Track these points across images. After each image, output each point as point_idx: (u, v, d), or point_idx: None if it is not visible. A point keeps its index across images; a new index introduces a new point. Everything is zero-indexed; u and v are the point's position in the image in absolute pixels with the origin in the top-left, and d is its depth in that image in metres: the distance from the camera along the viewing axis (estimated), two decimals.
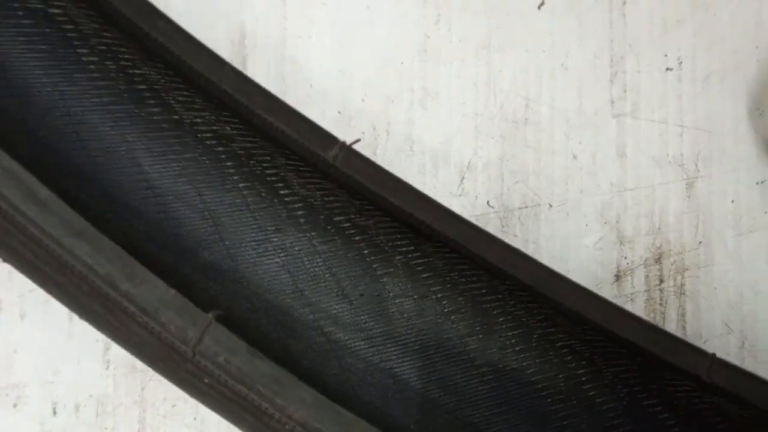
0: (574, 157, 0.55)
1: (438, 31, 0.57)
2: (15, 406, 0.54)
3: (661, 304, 0.54)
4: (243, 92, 0.46)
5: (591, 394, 0.49)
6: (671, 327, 0.52)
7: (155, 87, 0.48)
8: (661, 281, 0.54)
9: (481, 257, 0.46)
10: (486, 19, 0.56)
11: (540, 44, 0.56)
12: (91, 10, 0.46)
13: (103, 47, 0.47)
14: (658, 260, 0.54)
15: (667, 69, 0.55)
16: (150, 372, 0.51)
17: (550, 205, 0.55)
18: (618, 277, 0.54)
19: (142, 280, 0.40)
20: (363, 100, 0.56)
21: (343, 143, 0.46)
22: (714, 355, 0.45)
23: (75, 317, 0.54)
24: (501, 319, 0.50)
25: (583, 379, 0.49)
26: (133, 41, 0.47)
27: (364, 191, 0.47)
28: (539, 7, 0.56)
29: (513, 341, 0.50)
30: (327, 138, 0.46)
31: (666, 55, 0.56)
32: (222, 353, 0.40)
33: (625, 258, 0.54)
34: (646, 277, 0.54)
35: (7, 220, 0.40)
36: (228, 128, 0.49)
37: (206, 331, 0.40)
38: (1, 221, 0.40)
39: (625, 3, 0.56)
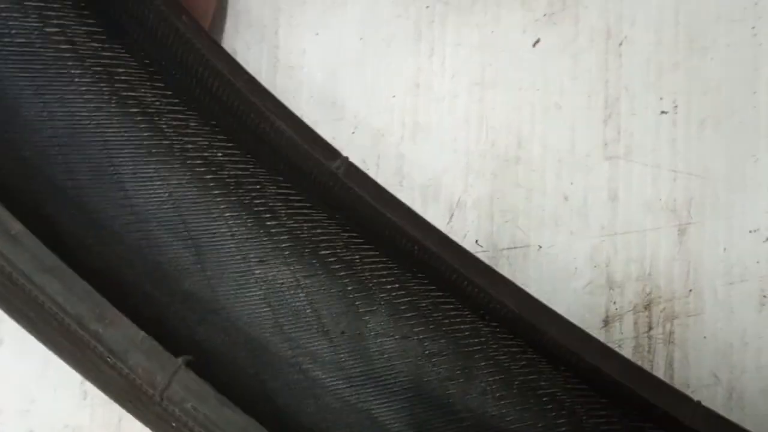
0: (566, 198, 0.58)
1: (431, 66, 0.60)
2: None
3: (649, 352, 0.56)
4: (257, 94, 0.48)
5: None
6: (659, 375, 0.54)
7: (148, 110, 0.51)
8: (650, 328, 0.56)
9: (472, 281, 0.48)
10: (480, 55, 0.59)
11: (534, 82, 0.59)
12: (98, 26, 0.49)
13: (98, 68, 0.51)
14: (648, 307, 0.57)
15: (662, 112, 0.58)
16: None
17: (540, 246, 0.58)
18: (606, 322, 0.57)
19: (111, 321, 0.42)
20: (353, 133, 0.60)
21: (346, 157, 0.48)
22: (699, 402, 0.47)
23: None
24: (483, 364, 0.52)
25: (563, 429, 0.51)
26: (136, 59, 0.51)
27: (361, 207, 0.49)
28: (534, 45, 0.59)
29: (494, 387, 0.52)
30: (331, 150, 0.49)
31: (661, 98, 0.58)
32: (190, 400, 0.42)
33: (614, 303, 0.57)
34: (635, 323, 0.57)
35: None
36: (219, 154, 0.52)
37: (175, 377, 0.42)
38: None
39: (621, 44, 0.59)
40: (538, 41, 0.59)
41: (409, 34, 0.60)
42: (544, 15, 0.59)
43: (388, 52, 0.60)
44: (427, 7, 0.60)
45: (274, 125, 0.48)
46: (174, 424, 0.43)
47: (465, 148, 0.59)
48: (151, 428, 0.46)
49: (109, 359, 0.42)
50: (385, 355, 0.53)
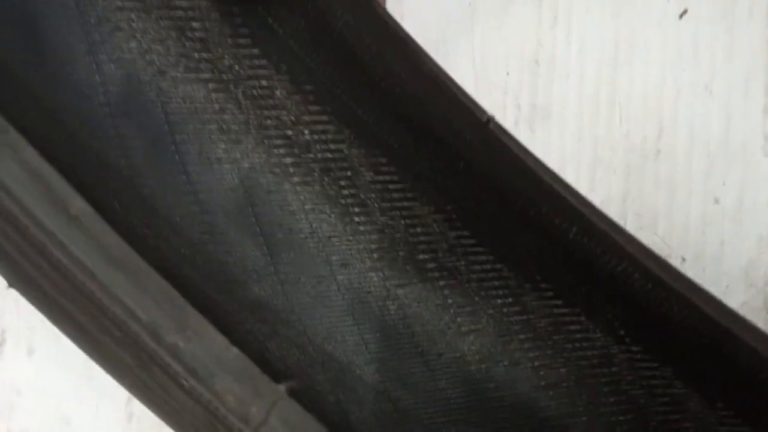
0: (716, 200, 0.56)
1: (554, 38, 0.57)
2: None
3: None
4: (400, 30, 0.46)
5: None
6: None
7: (223, 76, 0.48)
8: None
9: (647, 271, 0.44)
10: (614, 25, 0.58)
11: (680, 60, 0.57)
12: None
13: (167, 21, 0.47)
14: None
15: None
16: None
17: (684, 258, 0.56)
18: None
19: (195, 332, 0.39)
20: None
21: (493, 116, 0.46)
22: None
23: None
24: (612, 400, 0.49)
25: None
26: (219, 9, 0.48)
27: (507, 173, 0.46)
28: (681, 16, 0.57)
29: (624, 428, 0.49)
30: (478, 105, 0.46)
31: None
32: None
33: None
34: None
35: (23, 236, 0.39)
36: (306, 132, 0.48)
37: (274, 408, 0.39)
38: (16, 237, 0.39)
39: None
40: (685, 12, 0.57)
41: None
42: None
43: (502, 19, 0.58)
44: None
45: (418, 67, 0.44)
46: None
47: (593, 136, 0.57)
48: None
49: (185, 382, 0.38)
50: (492, 385, 0.49)
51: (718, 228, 0.55)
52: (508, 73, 0.57)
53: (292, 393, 0.40)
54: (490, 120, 0.45)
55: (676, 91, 0.57)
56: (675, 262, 0.53)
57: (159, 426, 0.52)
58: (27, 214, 0.38)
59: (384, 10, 0.45)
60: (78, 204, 0.39)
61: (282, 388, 0.39)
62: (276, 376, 0.40)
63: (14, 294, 0.53)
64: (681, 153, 0.56)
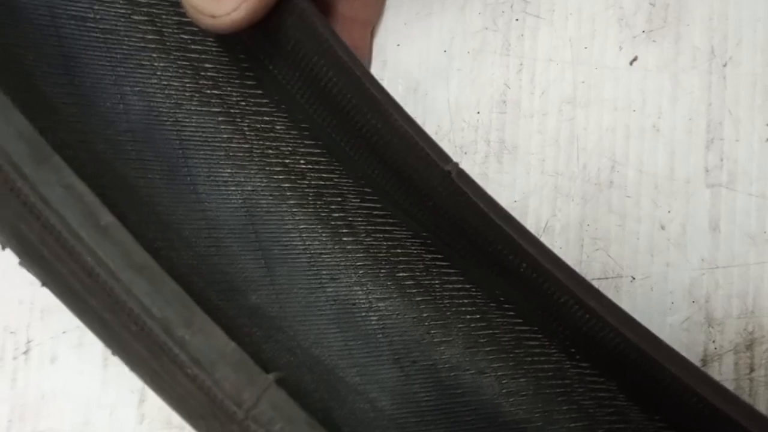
0: (662, 227, 0.59)
1: (520, 82, 0.62)
2: None
3: (750, 396, 0.57)
4: (377, 87, 0.48)
5: None
6: None
7: (231, 111, 0.53)
8: (752, 370, 0.57)
9: (585, 305, 0.47)
10: (572, 72, 0.61)
11: (630, 102, 0.61)
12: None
13: (185, 62, 0.52)
14: (750, 347, 0.58)
15: None
16: (187, 429, 0.52)
17: (633, 278, 0.59)
18: (704, 362, 0.58)
19: (200, 328, 0.42)
20: None
21: (457, 163, 0.48)
22: None
23: (110, 364, 0.58)
24: (565, 408, 0.53)
25: None
26: (229, 55, 0.52)
27: (469, 215, 0.48)
28: (631, 63, 0.61)
29: None
30: (444, 154, 0.48)
31: None
32: (278, 421, 0.41)
33: (713, 342, 0.58)
34: (735, 364, 0.58)
35: (60, 243, 0.42)
36: (302, 162, 0.53)
37: (264, 394, 0.41)
38: (53, 243, 0.42)
39: (725, 65, 0.61)
40: (635, 59, 0.61)
41: (497, 48, 0.62)
42: (643, 32, 0.61)
43: (474, 66, 0.62)
44: (517, 19, 0.62)
45: (389, 121, 0.48)
46: None
47: (554, 169, 0.60)
48: None
49: (189, 370, 0.41)
50: (459, 391, 0.53)
51: (664, 251, 0.58)
52: (478, 113, 0.60)
53: (280, 382, 0.41)
54: (452, 170, 0.47)
55: (626, 128, 0.60)
56: (626, 281, 0.58)
57: (167, 424, 0.56)
58: (65, 225, 0.41)
59: (364, 69, 0.48)
60: (107, 217, 0.41)
61: (271, 377, 0.41)
62: (267, 370, 0.42)
63: (39, 307, 0.59)
64: (631, 184, 0.59)
